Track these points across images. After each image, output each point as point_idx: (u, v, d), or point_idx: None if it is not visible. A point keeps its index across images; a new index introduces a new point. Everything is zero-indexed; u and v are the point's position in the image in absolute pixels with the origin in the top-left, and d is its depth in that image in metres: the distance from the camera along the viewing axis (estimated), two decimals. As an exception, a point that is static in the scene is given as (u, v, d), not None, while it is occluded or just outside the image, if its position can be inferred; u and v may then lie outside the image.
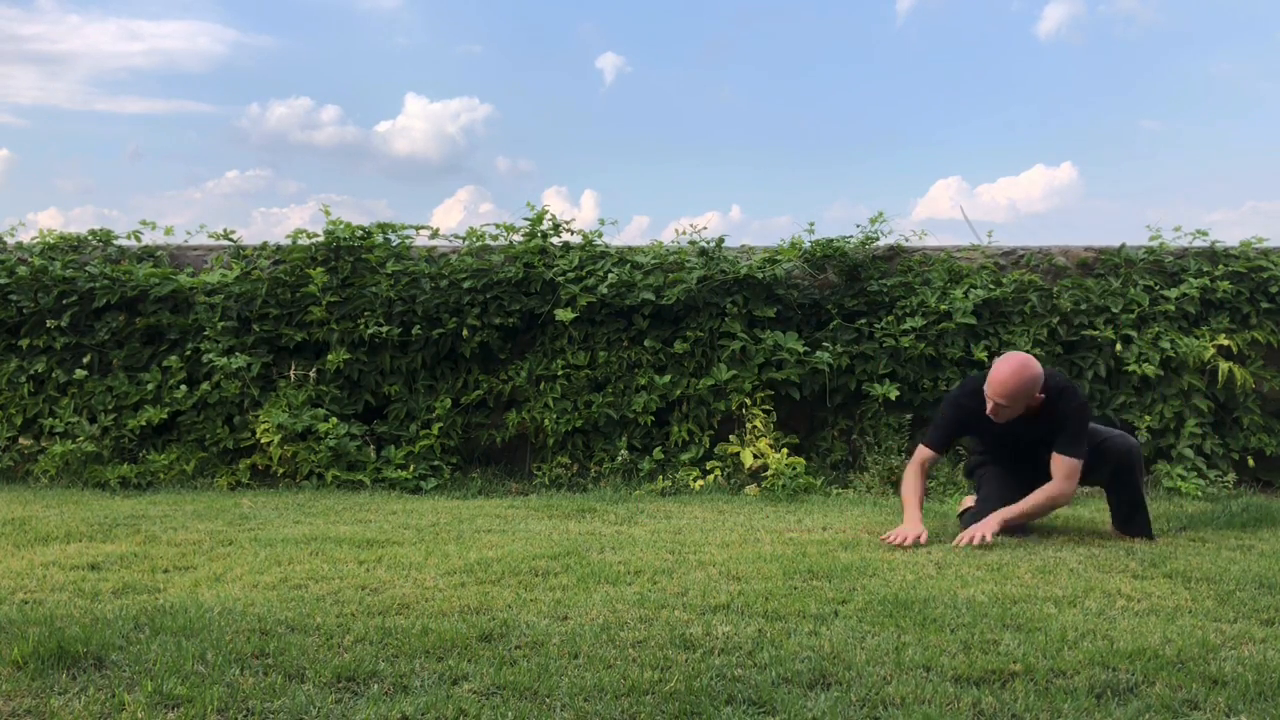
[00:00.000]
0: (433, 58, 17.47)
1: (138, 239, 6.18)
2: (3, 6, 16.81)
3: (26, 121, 17.45)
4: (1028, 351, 5.35)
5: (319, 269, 5.65)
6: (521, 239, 5.86)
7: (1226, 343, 5.37)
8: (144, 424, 5.50)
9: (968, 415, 3.89)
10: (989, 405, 3.75)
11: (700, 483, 5.18)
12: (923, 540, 3.65)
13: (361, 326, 5.60)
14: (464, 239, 5.94)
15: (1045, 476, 3.80)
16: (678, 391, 5.48)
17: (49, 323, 5.73)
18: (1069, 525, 4.21)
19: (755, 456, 5.19)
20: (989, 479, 4.01)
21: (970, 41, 15.88)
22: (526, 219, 5.88)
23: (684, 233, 5.93)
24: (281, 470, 5.37)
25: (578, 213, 17.59)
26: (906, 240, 5.87)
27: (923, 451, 3.97)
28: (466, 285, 5.65)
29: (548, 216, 5.87)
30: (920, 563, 3.35)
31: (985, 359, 5.37)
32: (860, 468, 5.37)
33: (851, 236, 5.75)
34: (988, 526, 3.68)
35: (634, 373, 5.57)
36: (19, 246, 6.15)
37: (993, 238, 5.95)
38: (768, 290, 5.61)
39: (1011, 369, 3.68)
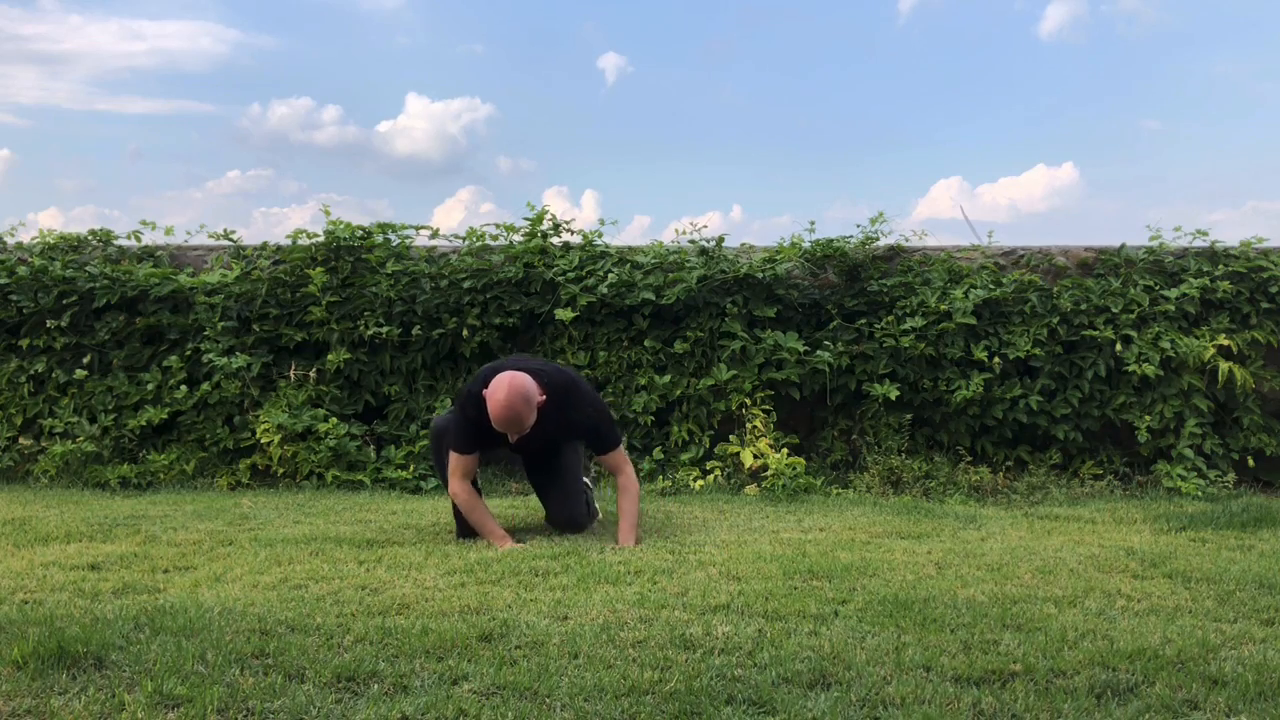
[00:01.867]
0: (434, 57, 17.49)
1: (138, 239, 6.18)
2: (4, 6, 16.82)
3: (28, 121, 17.46)
4: (1027, 351, 5.36)
5: (319, 269, 5.65)
6: (522, 239, 5.86)
7: (1226, 343, 5.37)
8: (144, 424, 5.50)
9: (475, 427, 3.71)
10: (510, 437, 3.64)
11: (700, 483, 5.18)
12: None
13: (361, 326, 5.60)
14: (464, 239, 5.94)
15: (566, 462, 3.95)
16: (678, 391, 5.48)
17: (49, 323, 5.73)
18: (1069, 525, 4.21)
19: (755, 456, 5.19)
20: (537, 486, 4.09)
21: (972, 41, 15.90)
22: (527, 219, 5.88)
23: (684, 232, 5.94)
24: (281, 470, 5.37)
25: (578, 212, 17.62)
26: (907, 240, 5.87)
27: (463, 461, 3.78)
28: (466, 285, 5.65)
29: (548, 216, 5.87)
30: (920, 563, 3.35)
31: (985, 359, 5.37)
32: (860, 468, 5.37)
33: (852, 236, 5.75)
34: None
35: (634, 373, 5.57)
36: (19, 246, 6.15)
37: (993, 238, 5.96)
38: (768, 290, 5.61)
39: (502, 399, 3.49)
